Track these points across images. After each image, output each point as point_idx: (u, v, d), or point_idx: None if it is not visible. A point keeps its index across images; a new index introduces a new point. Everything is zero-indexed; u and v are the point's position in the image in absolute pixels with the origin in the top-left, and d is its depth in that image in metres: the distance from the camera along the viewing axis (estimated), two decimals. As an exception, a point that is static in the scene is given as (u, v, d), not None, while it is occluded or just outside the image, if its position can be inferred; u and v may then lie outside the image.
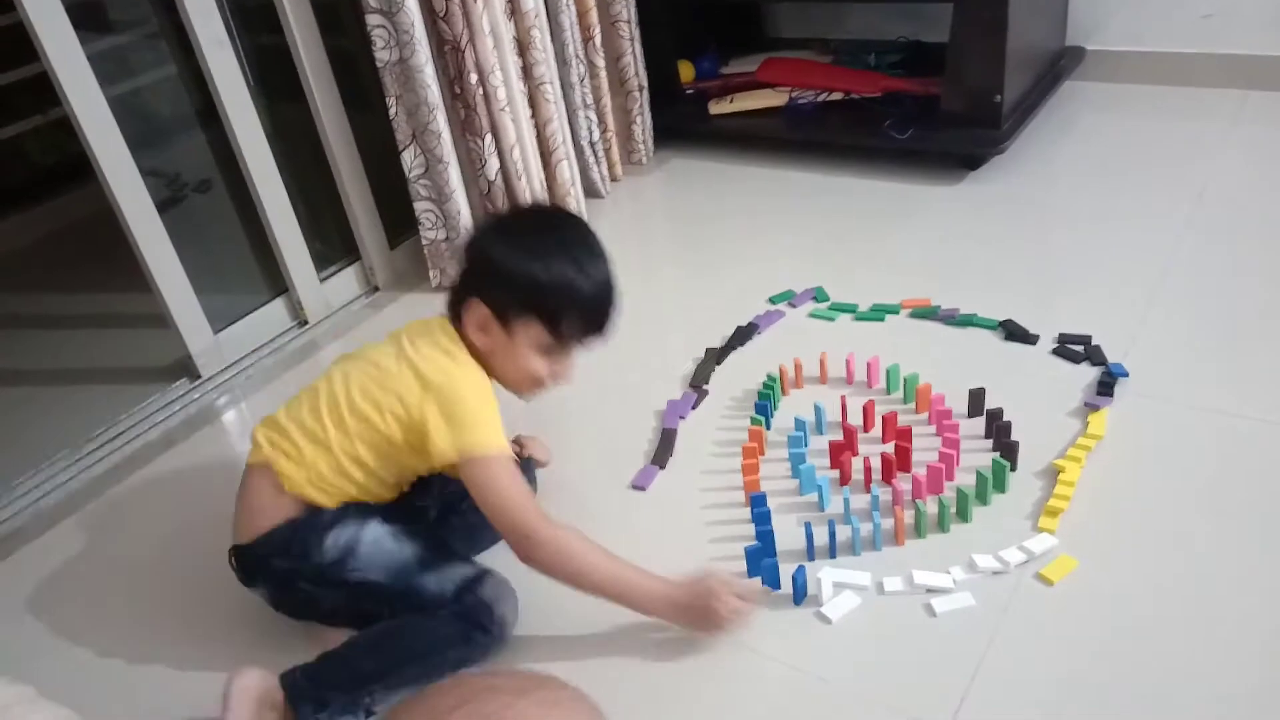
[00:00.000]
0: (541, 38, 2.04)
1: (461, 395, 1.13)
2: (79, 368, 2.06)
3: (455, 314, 1.20)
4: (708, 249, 2.06)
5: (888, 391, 1.52)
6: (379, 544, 1.17)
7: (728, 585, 1.13)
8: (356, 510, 1.19)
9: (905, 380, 1.49)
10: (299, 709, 1.10)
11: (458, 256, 1.25)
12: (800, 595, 1.19)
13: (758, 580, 1.21)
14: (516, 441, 1.41)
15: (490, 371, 1.20)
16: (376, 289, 2.12)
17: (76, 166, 1.83)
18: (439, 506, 1.31)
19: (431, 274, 2.05)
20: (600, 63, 2.26)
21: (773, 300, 1.81)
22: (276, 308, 2.00)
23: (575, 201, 2.20)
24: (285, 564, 1.16)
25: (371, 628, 1.15)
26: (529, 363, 1.19)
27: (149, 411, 1.80)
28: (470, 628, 1.13)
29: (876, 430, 1.44)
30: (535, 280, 1.14)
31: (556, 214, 1.24)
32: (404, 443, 1.15)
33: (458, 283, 1.22)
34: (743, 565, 1.24)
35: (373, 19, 1.80)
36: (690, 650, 1.15)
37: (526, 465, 1.38)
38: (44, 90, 1.62)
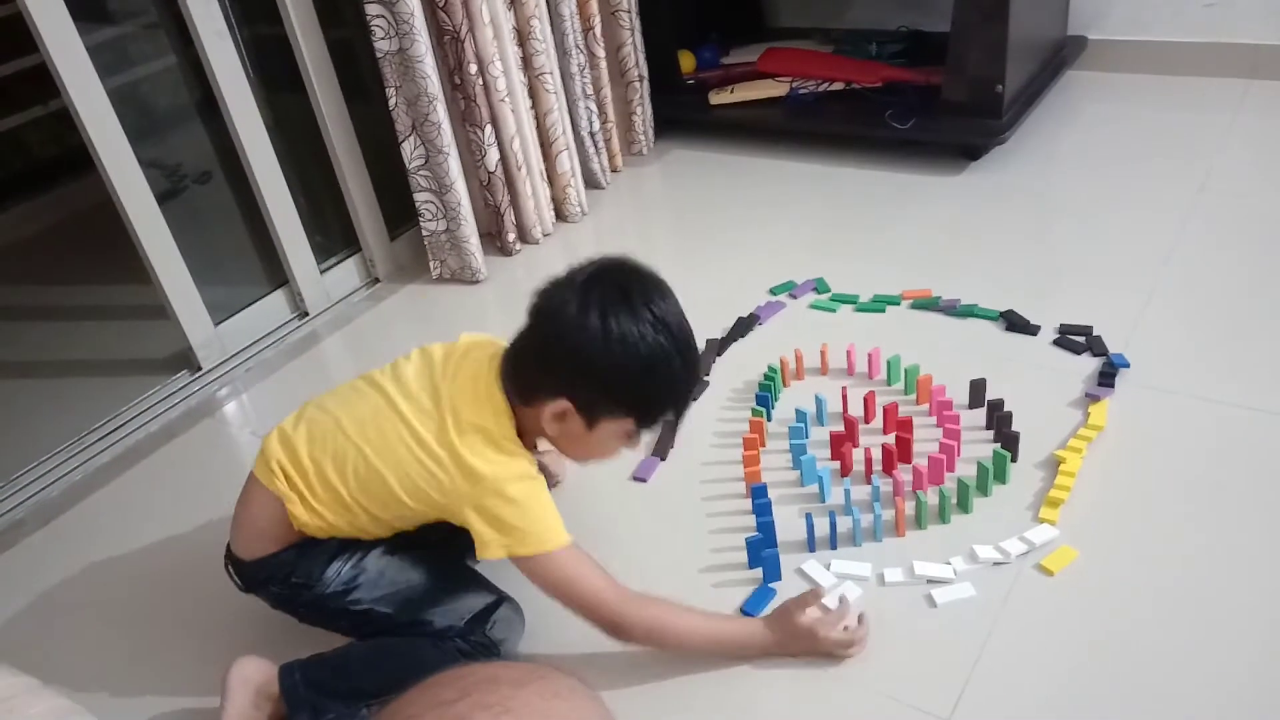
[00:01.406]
0: (541, 28, 2.03)
1: (511, 497, 1.03)
2: (80, 359, 2.06)
3: (520, 390, 1.07)
4: (708, 240, 2.05)
5: (889, 382, 1.52)
6: (384, 575, 1.13)
7: (825, 616, 1.10)
8: (357, 542, 1.15)
9: (906, 371, 1.48)
10: (295, 714, 1.10)
11: (540, 332, 1.06)
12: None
13: (844, 599, 1.14)
14: None
15: (548, 440, 1.12)
16: (377, 280, 2.12)
17: (76, 158, 1.82)
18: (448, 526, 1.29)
19: (432, 265, 2.05)
20: (600, 53, 2.26)
21: (773, 291, 1.81)
22: (277, 299, 2.00)
23: (575, 192, 2.20)
24: (284, 590, 1.14)
25: (375, 640, 1.14)
26: (606, 450, 1.11)
27: (150, 403, 1.80)
28: (474, 662, 1.10)
29: (877, 421, 1.44)
30: (642, 387, 1.03)
31: (642, 282, 1.05)
32: (436, 517, 1.11)
33: (535, 367, 1.06)
34: (744, 556, 1.24)
35: (372, 9, 1.79)
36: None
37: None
38: (44, 81, 1.62)
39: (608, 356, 1.00)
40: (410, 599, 1.13)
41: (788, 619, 1.10)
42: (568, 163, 2.16)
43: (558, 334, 1.03)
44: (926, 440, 1.37)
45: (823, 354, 1.58)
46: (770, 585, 1.20)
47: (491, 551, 1.05)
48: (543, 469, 1.36)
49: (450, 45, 1.89)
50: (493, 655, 1.11)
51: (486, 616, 1.13)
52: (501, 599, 1.16)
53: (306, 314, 2.02)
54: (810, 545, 1.25)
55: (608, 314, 1.01)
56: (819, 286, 1.80)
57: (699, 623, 1.10)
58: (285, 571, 1.13)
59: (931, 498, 1.27)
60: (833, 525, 1.25)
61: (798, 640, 1.09)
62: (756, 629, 1.11)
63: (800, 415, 1.43)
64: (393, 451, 1.06)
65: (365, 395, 1.12)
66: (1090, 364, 1.49)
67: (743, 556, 1.25)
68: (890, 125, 2.16)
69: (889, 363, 1.51)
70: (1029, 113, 2.15)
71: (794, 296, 1.79)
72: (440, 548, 1.20)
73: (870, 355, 1.54)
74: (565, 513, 1.36)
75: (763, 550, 1.23)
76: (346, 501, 1.09)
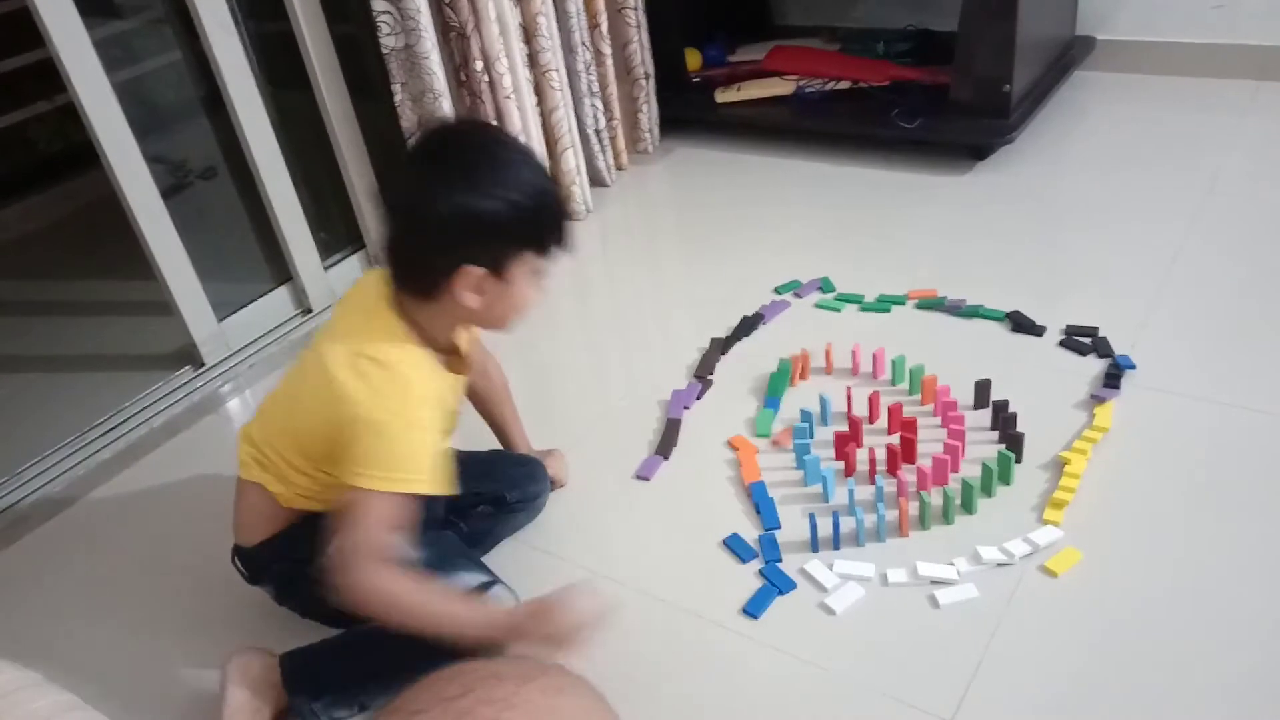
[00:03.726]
0: (548, 24, 2.03)
1: (380, 431, 1.01)
2: (83, 354, 2.06)
3: (418, 287, 1.04)
4: (713, 238, 2.05)
5: (893, 383, 1.52)
6: None
7: (566, 595, 1.02)
8: None
9: (911, 371, 1.48)
10: (294, 698, 1.10)
11: (413, 220, 1.03)
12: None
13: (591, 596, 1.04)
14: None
15: (472, 324, 1.11)
16: (381, 277, 2.12)
17: (81, 153, 1.83)
18: (445, 509, 1.27)
19: (436, 262, 2.04)
20: (606, 50, 2.25)
21: (778, 290, 1.80)
22: (280, 296, 2.00)
23: (580, 190, 2.19)
24: (288, 568, 1.15)
25: (371, 626, 1.13)
26: (527, 298, 1.07)
27: (153, 399, 1.80)
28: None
29: (882, 422, 1.43)
30: (523, 211, 1.01)
31: (472, 129, 1.08)
32: None
33: (424, 255, 1.03)
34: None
35: (379, 5, 1.79)
36: (694, 640, 1.16)
37: (539, 474, 1.36)
38: (50, 76, 1.62)
39: (490, 201, 0.99)
40: None
41: (532, 601, 1.04)
42: (573, 160, 2.16)
43: (430, 211, 1.00)
44: (931, 441, 1.36)
45: (827, 354, 1.57)
46: (772, 584, 1.20)
47: (346, 475, 1.01)
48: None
49: (456, 41, 1.88)
50: None
51: (480, 594, 1.13)
52: (497, 580, 1.16)
53: (310, 310, 2.01)
54: (814, 545, 1.24)
55: (469, 163, 1.00)
56: (824, 286, 1.80)
57: (435, 599, 1.03)
58: (287, 549, 1.15)
59: (935, 498, 1.27)
60: (836, 525, 1.25)
61: (539, 615, 1.00)
62: (487, 610, 1.07)
63: (805, 415, 1.43)
64: (306, 407, 1.09)
65: (289, 374, 1.17)
66: (1096, 365, 1.48)
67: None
68: (897, 124, 2.16)
69: (894, 363, 1.51)
70: (1037, 113, 2.14)
71: (799, 296, 1.79)
72: (439, 526, 1.22)
73: (875, 355, 1.53)
74: (568, 513, 1.38)
75: (766, 550, 1.23)
76: (303, 468, 1.12)
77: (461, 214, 0.99)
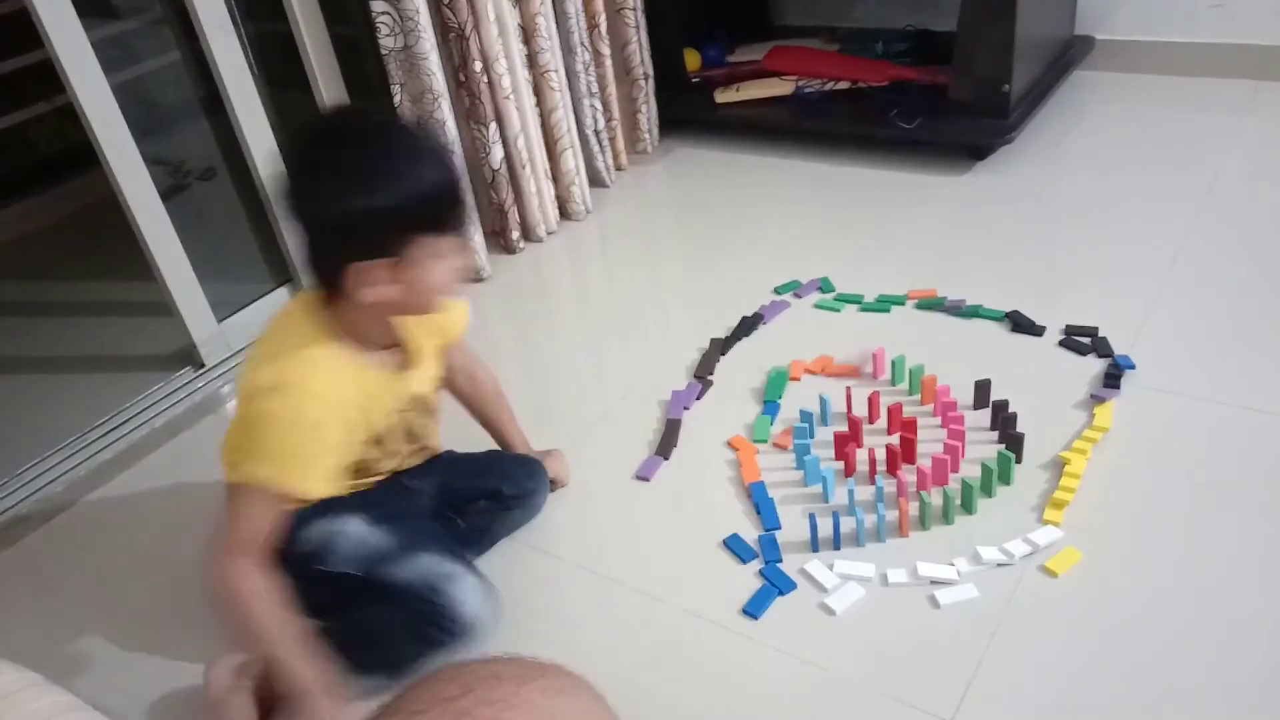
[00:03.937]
0: (547, 25, 2.03)
1: (247, 416, 1.04)
2: (83, 355, 2.06)
3: (335, 285, 1.03)
4: (713, 239, 2.05)
5: (893, 383, 1.52)
6: (361, 541, 1.14)
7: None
8: (341, 505, 1.15)
9: (911, 372, 1.48)
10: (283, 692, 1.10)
11: (308, 224, 1.04)
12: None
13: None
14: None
15: (397, 314, 1.09)
16: (381, 278, 2.12)
17: (81, 154, 1.83)
18: (440, 503, 1.27)
19: (436, 263, 2.04)
20: (606, 50, 2.25)
21: (778, 290, 1.80)
22: (280, 296, 2.00)
23: (579, 191, 2.19)
24: (278, 562, 1.14)
25: (360, 617, 1.14)
26: (438, 277, 1.04)
27: (153, 400, 1.80)
28: (430, 625, 1.09)
29: (882, 422, 1.43)
30: (405, 198, 0.99)
31: (346, 120, 1.08)
32: None
33: (330, 255, 1.02)
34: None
35: (377, 5, 1.79)
36: (693, 641, 1.16)
37: (537, 472, 1.36)
38: (49, 77, 1.62)
39: (365, 197, 0.97)
40: (376, 559, 1.13)
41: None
42: (572, 161, 2.16)
43: (310, 213, 1.01)
44: (931, 441, 1.36)
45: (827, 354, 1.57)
46: (773, 584, 1.20)
47: (230, 469, 1.04)
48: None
49: (455, 42, 1.88)
50: (448, 622, 1.10)
51: (446, 582, 1.12)
52: (469, 571, 1.15)
53: (310, 311, 2.01)
54: (814, 545, 1.24)
55: (341, 159, 0.99)
56: (824, 286, 1.80)
57: (275, 624, 1.03)
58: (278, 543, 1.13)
59: (935, 498, 1.27)
60: (836, 526, 1.25)
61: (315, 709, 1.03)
62: (313, 670, 1.04)
63: (805, 415, 1.43)
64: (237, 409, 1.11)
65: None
66: (1095, 365, 1.48)
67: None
68: (896, 125, 2.16)
69: (894, 363, 1.51)
70: (1036, 113, 2.14)
71: (799, 296, 1.79)
72: (424, 517, 1.22)
73: (875, 355, 1.53)
74: (567, 513, 1.37)
75: (766, 550, 1.23)
76: None
77: (338, 213, 0.98)
